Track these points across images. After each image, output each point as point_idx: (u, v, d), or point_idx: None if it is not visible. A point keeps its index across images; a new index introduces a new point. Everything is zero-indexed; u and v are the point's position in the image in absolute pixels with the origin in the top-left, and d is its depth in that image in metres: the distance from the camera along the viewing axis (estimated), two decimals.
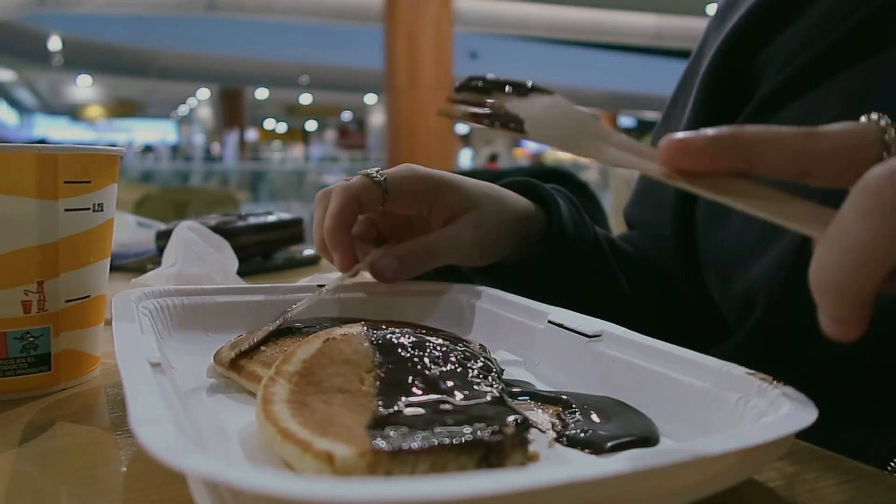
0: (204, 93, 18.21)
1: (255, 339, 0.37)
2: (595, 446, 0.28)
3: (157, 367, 0.29)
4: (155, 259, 0.82)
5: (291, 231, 0.97)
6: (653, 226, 0.63)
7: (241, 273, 0.66)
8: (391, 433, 0.25)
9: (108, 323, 0.57)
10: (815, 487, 0.28)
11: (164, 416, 0.23)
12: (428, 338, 0.34)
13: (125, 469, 0.30)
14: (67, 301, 0.39)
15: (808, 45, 0.51)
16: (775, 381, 0.28)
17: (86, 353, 0.41)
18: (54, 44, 13.06)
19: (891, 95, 0.44)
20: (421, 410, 0.28)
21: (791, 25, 0.54)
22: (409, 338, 0.33)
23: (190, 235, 0.59)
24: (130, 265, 0.86)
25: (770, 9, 0.56)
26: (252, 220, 0.90)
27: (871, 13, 0.48)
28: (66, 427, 0.34)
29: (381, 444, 0.24)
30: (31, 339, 0.38)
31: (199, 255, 0.59)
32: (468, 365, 0.32)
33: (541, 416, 0.32)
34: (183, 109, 21.38)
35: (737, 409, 0.28)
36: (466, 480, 0.18)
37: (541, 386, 0.36)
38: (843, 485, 0.28)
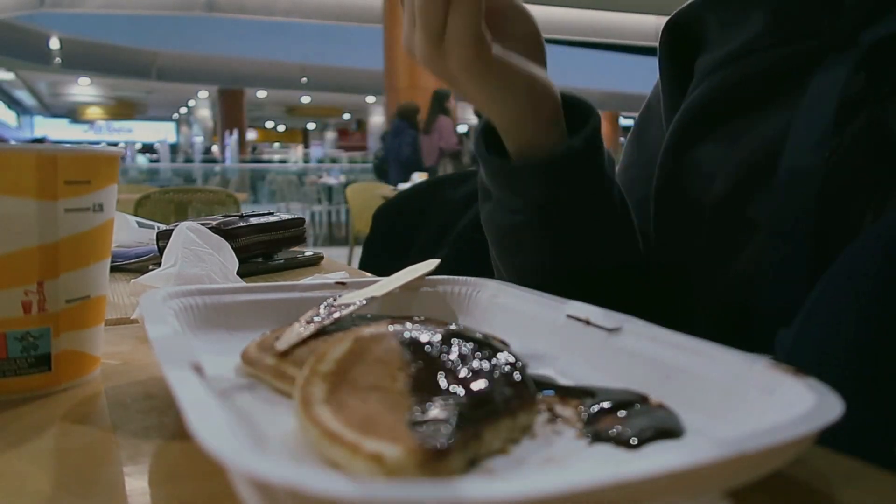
0: (204, 93, 18.21)
1: (300, 336, 0.37)
2: (622, 439, 0.29)
3: (199, 369, 0.29)
4: (156, 259, 0.82)
5: (293, 231, 0.96)
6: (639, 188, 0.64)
7: (242, 274, 0.66)
8: (433, 430, 0.26)
9: (108, 323, 0.57)
10: (815, 487, 0.28)
11: (224, 421, 0.22)
12: (453, 334, 0.34)
13: (125, 469, 0.30)
14: (67, 301, 0.39)
15: (727, 64, 0.53)
16: (799, 372, 0.28)
17: (86, 353, 0.41)
18: (54, 44, 13.06)
19: (800, 148, 0.45)
20: (456, 405, 0.28)
21: (720, 34, 0.56)
22: (435, 335, 0.33)
23: (190, 236, 0.60)
24: (131, 266, 0.86)
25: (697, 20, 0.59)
26: (253, 221, 0.90)
27: (791, 53, 0.49)
28: (66, 427, 0.34)
29: (428, 441, 0.25)
30: (32, 339, 0.38)
31: (199, 256, 0.59)
32: (494, 359, 0.32)
33: (565, 410, 0.32)
34: (183, 110, 21.39)
35: (760, 402, 0.28)
36: (525, 482, 0.18)
37: (561, 380, 0.36)
38: (844, 484, 0.28)
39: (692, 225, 0.53)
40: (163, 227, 0.91)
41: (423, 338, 0.33)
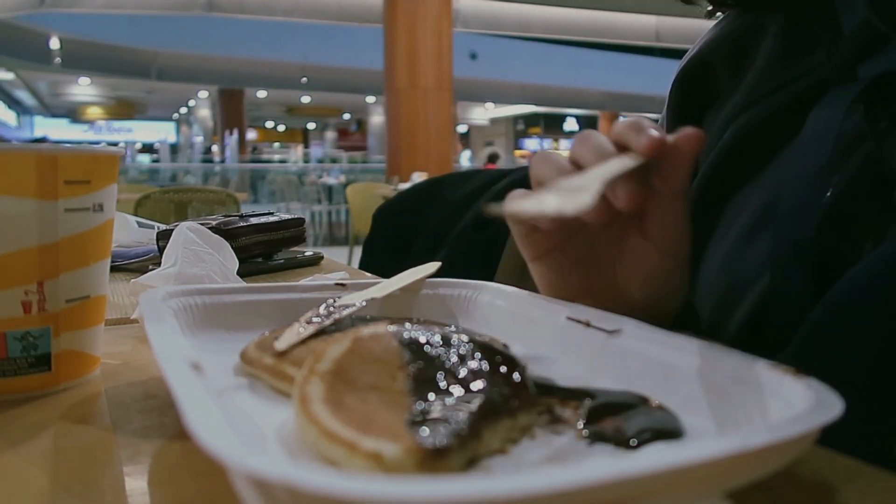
0: (204, 93, 18.22)
1: (299, 336, 0.37)
2: (622, 440, 0.29)
3: (198, 367, 0.29)
4: (156, 259, 0.82)
5: (293, 231, 0.96)
6: None
7: (242, 273, 0.66)
8: (432, 429, 0.26)
9: (108, 323, 0.57)
10: (815, 487, 0.28)
11: (221, 418, 0.22)
12: (453, 335, 0.34)
13: (125, 469, 0.30)
14: (67, 301, 0.39)
15: (741, 113, 0.53)
16: (799, 373, 0.28)
17: (86, 353, 0.41)
18: (54, 44, 13.07)
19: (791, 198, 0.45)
20: (455, 405, 0.28)
21: (730, 84, 0.57)
22: (435, 335, 0.33)
23: (189, 236, 0.60)
24: (132, 266, 0.86)
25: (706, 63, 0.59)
26: (254, 221, 0.90)
27: (795, 94, 0.50)
28: (66, 427, 0.34)
29: (426, 440, 0.25)
30: (32, 339, 0.38)
31: (199, 256, 0.59)
32: (494, 360, 0.32)
33: (565, 411, 0.32)
34: (183, 110, 21.40)
35: (760, 403, 0.28)
36: (524, 478, 0.18)
37: (562, 382, 0.36)
38: (844, 484, 0.28)
39: (708, 270, 0.53)
40: (163, 227, 0.91)
41: (423, 338, 0.33)
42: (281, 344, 0.36)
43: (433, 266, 0.51)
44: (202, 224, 0.81)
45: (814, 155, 0.44)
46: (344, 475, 0.18)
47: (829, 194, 0.44)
